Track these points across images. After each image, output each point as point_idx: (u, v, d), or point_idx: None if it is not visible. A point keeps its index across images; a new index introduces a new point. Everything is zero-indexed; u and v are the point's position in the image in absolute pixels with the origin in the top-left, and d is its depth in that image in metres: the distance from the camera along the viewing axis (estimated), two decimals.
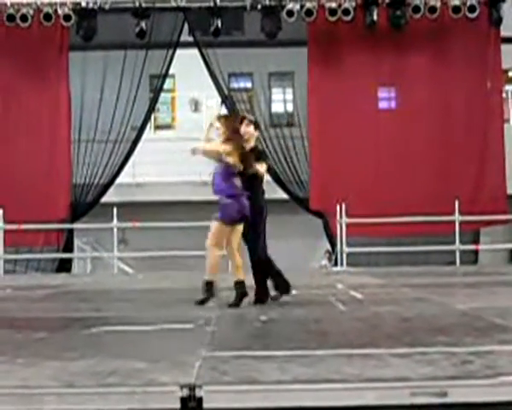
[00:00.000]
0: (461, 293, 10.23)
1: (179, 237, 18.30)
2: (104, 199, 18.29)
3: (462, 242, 16.97)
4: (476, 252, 17.81)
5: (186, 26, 18.05)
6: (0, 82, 17.60)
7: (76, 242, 19.79)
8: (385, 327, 6.77)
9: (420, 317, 7.38)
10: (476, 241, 17.73)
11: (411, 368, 4.57)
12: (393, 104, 18.54)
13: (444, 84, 17.70)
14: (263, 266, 8.59)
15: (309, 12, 17.04)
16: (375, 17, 17.11)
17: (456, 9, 17.09)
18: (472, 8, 17.03)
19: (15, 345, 5.91)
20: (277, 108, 22.11)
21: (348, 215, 16.87)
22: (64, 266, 18.13)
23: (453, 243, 16.90)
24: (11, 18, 16.94)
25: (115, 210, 17.15)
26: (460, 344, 5.49)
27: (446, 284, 11.86)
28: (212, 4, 17.14)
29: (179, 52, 18.18)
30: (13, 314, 8.37)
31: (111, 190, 18.47)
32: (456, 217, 16.84)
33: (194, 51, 18.22)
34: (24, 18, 16.93)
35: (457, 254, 16.97)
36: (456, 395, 4.06)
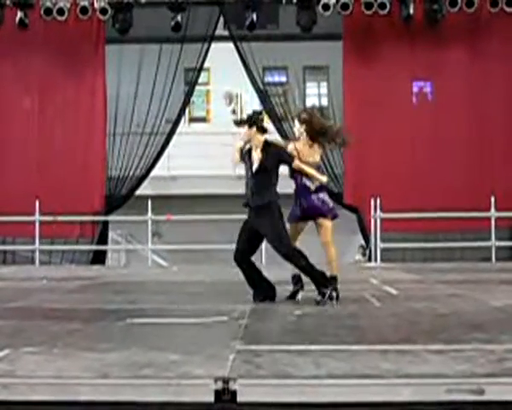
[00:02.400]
0: (496, 290, 10.11)
1: (213, 230, 18.33)
2: (139, 192, 18.36)
3: (497, 238, 16.80)
4: None
5: (221, 19, 18.07)
6: (37, 75, 17.74)
7: (110, 234, 19.92)
8: (420, 323, 6.71)
9: (455, 313, 7.31)
10: None
11: (448, 365, 4.52)
12: (429, 98, 18.36)
13: (480, 79, 17.49)
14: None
15: (345, 5, 16.93)
16: (411, 11, 16.93)
17: (494, 3, 16.88)
18: (510, 2, 16.80)
19: (51, 336, 5.95)
20: (312, 101, 22.04)
21: (382, 210, 16.78)
22: (98, 258, 18.25)
23: (489, 239, 16.74)
24: (48, 11, 17.06)
25: (150, 203, 17.23)
26: (496, 341, 5.43)
27: (482, 280, 11.74)
28: None
29: (214, 46, 18.19)
30: (48, 305, 8.44)
31: (145, 182, 18.55)
32: (492, 213, 16.67)
33: (230, 45, 18.21)
34: (61, 11, 17.04)
35: (493, 251, 16.80)
36: (493, 393, 4.02)
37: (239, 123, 8.55)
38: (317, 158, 8.80)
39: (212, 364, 4.56)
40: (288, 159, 8.44)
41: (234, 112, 21.26)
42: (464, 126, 17.39)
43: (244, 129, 8.37)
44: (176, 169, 21.66)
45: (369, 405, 4.01)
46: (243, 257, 8.36)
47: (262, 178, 8.29)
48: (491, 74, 17.44)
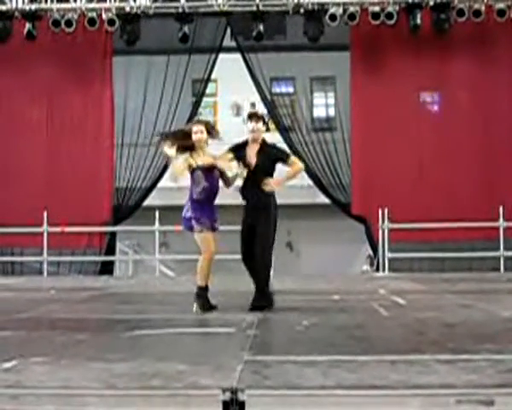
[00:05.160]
0: (505, 300, 10.07)
1: (219, 240, 18.29)
2: (146, 202, 18.38)
3: (506, 248, 16.74)
4: None
5: (229, 30, 18.11)
6: (45, 86, 17.80)
7: (118, 245, 19.93)
8: (429, 333, 6.68)
9: (464, 323, 7.28)
10: None
11: (457, 375, 4.50)
12: (436, 109, 18.35)
13: (488, 89, 17.47)
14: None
15: (352, 16, 16.95)
16: (418, 21, 16.94)
17: (501, 13, 16.88)
18: None
19: (59, 346, 5.95)
20: (319, 112, 22.07)
21: (390, 220, 16.74)
22: (106, 268, 18.26)
23: (497, 249, 16.69)
24: (56, 23, 17.13)
25: (157, 213, 17.23)
26: (506, 352, 5.40)
27: (490, 290, 11.70)
28: (254, 9, 17.14)
29: (222, 57, 18.23)
30: (56, 316, 8.44)
31: (153, 193, 18.57)
32: (501, 223, 16.62)
33: (237, 56, 18.25)
34: (69, 23, 17.11)
35: (502, 261, 16.75)
36: (504, 404, 3.98)
37: (257, 117, 8.68)
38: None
39: (220, 374, 4.55)
40: (283, 157, 8.61)
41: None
42: (472, 136, 17.36)
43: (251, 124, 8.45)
44: (183, 180, 21.65)
45: None
46: (249, 256, 8.48)
47: (260, 178, 8.42)
48: (499, 84, 17.43)
